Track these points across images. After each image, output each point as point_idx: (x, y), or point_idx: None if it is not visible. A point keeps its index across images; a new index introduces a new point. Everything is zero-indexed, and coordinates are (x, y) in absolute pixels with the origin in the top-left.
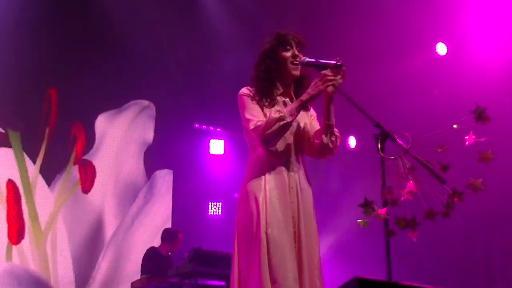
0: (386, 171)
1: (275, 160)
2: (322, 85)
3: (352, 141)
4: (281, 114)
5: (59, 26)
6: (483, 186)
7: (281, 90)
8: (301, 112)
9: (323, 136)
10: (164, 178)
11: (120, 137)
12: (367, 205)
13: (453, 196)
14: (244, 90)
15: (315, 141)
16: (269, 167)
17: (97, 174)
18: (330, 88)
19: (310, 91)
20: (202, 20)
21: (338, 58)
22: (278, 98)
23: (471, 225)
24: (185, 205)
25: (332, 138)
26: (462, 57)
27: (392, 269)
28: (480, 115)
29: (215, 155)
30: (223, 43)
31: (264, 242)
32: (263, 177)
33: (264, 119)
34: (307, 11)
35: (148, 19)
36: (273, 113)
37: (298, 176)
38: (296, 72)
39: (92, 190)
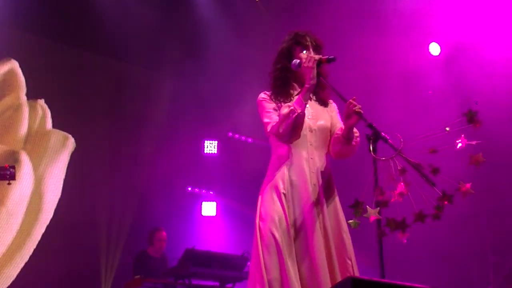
0: (377, 172)
1: (295, 158)
2: (312, 63)
3: None
4: (291, 107)
5: None
6: (472, 190)
7: (298, 89)
8: (319, 109)
9: (343, 146)
10: None
11: None
12: (357, 206)
13: (443, 199)
14: (262, 95)
15: (335, 148)
16: (290, 165)
17: None
18: (356, 117)
19: (308, 76)
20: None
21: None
22: (295, 97)
23: (464, 225)
24: (179, 205)
25: (352, 144)
26: (455, 57)
27: (385, 268)
28: (472, 118)
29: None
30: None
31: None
32: (284, 174)
33: None
34: (301, 11)
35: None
36: (282, 109)
37: (320, 173)
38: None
39: None
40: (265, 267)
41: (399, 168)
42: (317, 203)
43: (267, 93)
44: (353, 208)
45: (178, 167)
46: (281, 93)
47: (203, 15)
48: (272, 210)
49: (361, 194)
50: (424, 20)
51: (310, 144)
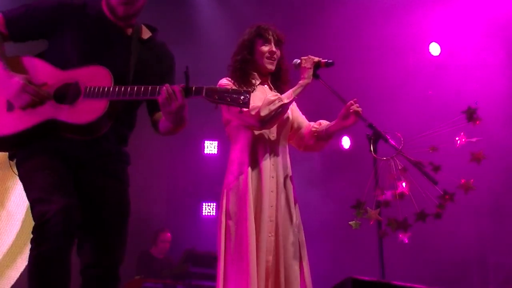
0: (379, 172)
1: (257, 150)
2: (310, 64)
3: (346, 142)
4: (278, 96)
5: None
6: (473, 186)
7: (259, 79)
8: None
9: (319, 141)
10: None
11: None
12: (359, 207)
13: (444, 197)
14: (224, 81)
15: (309, 142)
16: (251, 158)
17: None
18: (354, 118)
19: (304, 76)
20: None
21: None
22: (258, 86)
23: (464, 225)
24: (179, 205)
25: (327, 142)
26: (455, 57)
27: (386, 269)
28: (471, 116)
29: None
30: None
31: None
32: (245, 169)
33: (255, 103)
34: (301, 11)
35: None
36: (269, 96)
37: (280, 165)
38: (271, 67)
39: None
40: (226, 270)
41: (400, 168)
42: (273, 196)
43: (230, 80)
44: (355, 208)
45: (178, 167)
46: (243, 82)
47: (203, 15)
48: (240, 209)
49: (362, 194)
50: (424, 20)
51: (271, 136)
